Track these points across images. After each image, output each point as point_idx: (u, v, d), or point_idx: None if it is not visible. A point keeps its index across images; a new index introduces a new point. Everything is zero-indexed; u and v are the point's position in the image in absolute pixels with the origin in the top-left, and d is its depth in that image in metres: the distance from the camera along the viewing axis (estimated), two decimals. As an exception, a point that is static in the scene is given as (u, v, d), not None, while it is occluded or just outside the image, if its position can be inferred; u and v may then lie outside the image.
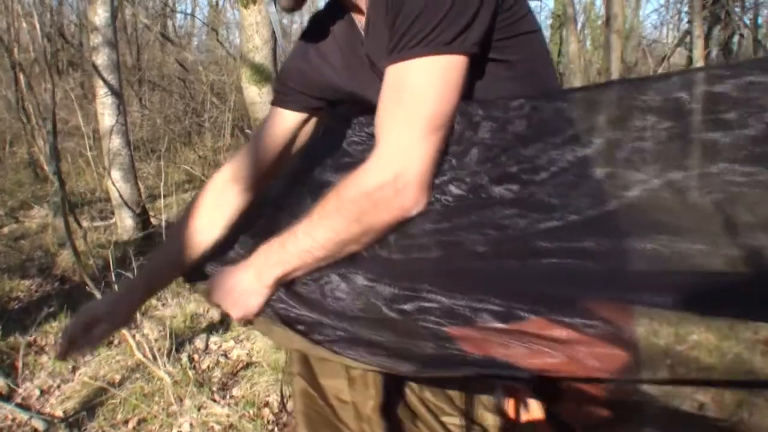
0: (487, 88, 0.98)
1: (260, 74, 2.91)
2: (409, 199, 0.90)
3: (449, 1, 0.89)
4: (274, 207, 1.23)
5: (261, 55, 2.95)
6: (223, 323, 3.74)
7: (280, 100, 1.22)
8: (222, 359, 3.30)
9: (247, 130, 8.76)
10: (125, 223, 4.90)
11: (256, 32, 2.92)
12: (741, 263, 0.76)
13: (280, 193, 1.27)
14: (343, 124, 1.17)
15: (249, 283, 1.01)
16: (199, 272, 1.20)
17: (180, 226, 1.25)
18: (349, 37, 1.11)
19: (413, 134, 0.90)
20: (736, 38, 8.77)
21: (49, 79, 4.00)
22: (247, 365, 3.19)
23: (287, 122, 1.21)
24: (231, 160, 1.26)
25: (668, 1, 11.77)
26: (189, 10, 14.97)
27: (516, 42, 0.99)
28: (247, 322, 1.05)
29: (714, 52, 8.06)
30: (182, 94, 9.38)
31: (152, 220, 5.36)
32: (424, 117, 0.90)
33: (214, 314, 3.91)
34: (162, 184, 4.17)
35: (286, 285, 1.01)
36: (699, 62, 5.17)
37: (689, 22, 9.43)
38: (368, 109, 1.01)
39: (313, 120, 1.23)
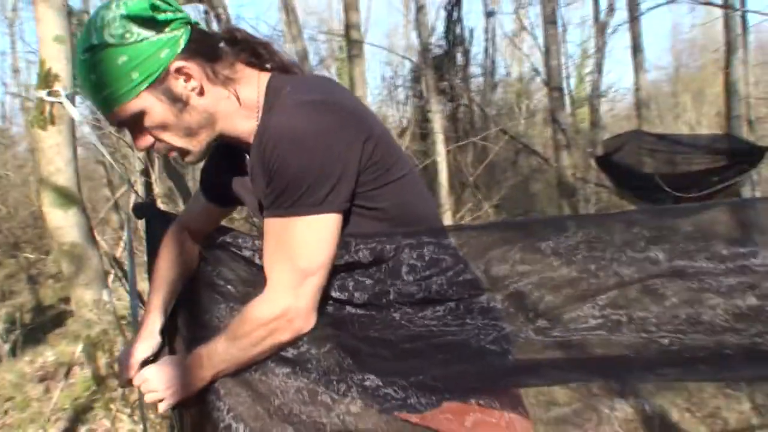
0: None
1: (65, 197, 2.69)
2: (300, 325, 1.13)
3: (316, 169, 1.06)
4: (188, 310, 1.46)
5: (64, 178, 2.71)
6: None
7: (204, 195, 1.42)
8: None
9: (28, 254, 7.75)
10: None
11: (58, 154, 2.69)
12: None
13: (193, 297, 1.47)
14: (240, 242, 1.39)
15: (187, 378, 1.22)
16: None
17: (156, 266, 1.46)
18: (241, 165, 1.27)
19: (295, 279, 1.10)
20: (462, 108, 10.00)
21: None
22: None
23: (213, 208, 1.43)
24: (179, 217, 1.50)
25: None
26: None
27: (385, 190, 1.16)
28: (177, 406, 1.26)
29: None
30: None
31: None
32: (301, 267, 1.10)
33: None
34: None
35: None
36: (439, 134, 5.81)
37: (417, 97, 10.38)
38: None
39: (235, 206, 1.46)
